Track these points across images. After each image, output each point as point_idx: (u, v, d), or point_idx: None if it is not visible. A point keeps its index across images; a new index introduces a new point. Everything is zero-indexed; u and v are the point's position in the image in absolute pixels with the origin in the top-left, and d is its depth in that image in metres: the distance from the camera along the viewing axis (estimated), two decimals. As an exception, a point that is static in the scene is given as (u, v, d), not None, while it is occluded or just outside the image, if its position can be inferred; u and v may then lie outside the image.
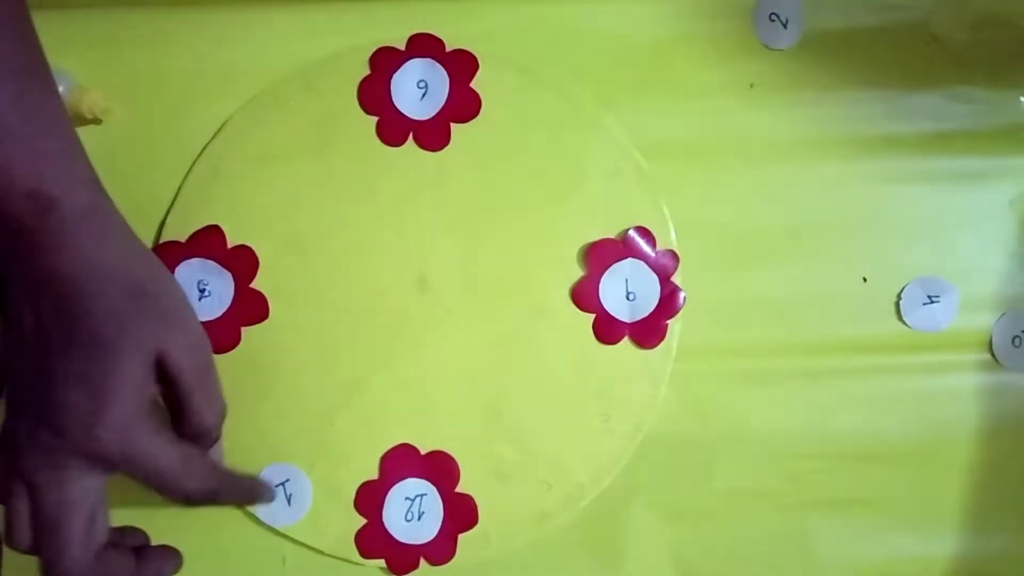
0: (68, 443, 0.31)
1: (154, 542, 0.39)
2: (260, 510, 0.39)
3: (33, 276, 0.32)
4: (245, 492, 0.36)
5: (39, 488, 0.31)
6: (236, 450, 0.39)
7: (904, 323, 0.41)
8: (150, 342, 0.32)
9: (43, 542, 0.32)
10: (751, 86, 0.42)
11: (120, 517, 0.39)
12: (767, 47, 0.42)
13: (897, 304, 0.41)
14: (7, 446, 0.32)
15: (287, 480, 0.39)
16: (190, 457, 0.33)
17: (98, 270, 0.32)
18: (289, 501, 0.39)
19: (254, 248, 0.40)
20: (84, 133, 0.40)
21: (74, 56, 0.41)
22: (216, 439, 0.36)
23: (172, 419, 0.34)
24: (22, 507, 0.32)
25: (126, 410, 0.31)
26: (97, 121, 0.40)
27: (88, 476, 0.32)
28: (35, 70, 0.33)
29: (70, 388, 0.31)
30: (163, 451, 0.32)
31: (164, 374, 0.33)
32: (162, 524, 0.39)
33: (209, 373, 0.35)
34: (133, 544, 0.36)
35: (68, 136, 0.33)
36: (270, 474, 0.39)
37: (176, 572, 0.37)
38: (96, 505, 0.32)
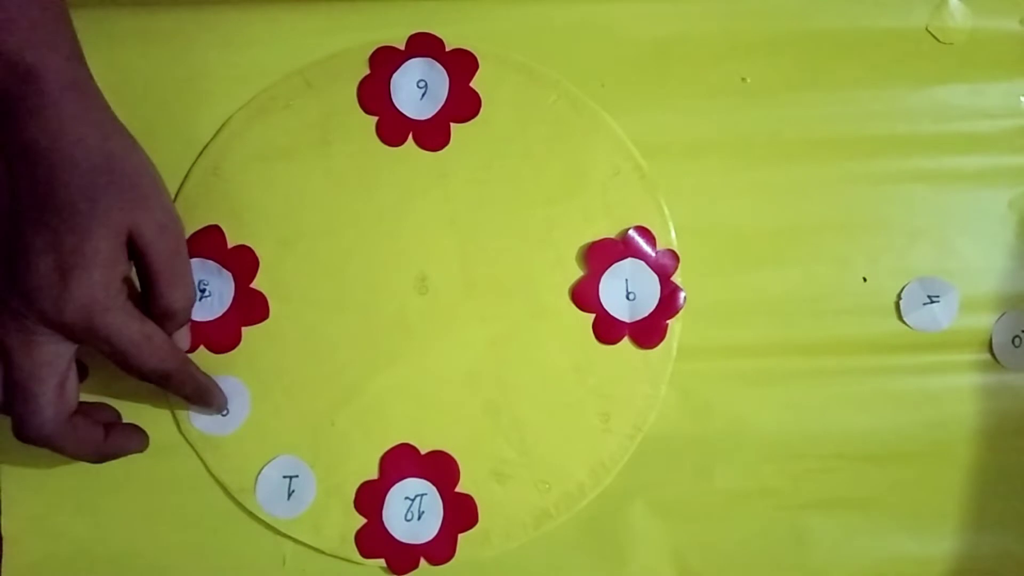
0: (36, 312, 0.32)
1: (155, 543, 0.39)
2: (262, 500, 0.39)
3: (10, 144, 0.32)
4: (198, 386, 0.37)
5: (11, 351, 0.32)
6: (237, 449, 0.39)
7: (904, 323, 0.41)
8: (121, 219, 0.32)
9: (15, 402, 0.33)
10: (743, 80, 0.42)
11: (121, 516, 0.39)
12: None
13: (897, 304, 0.41)
14: None
15: (295, 475, 0.39)
16: (152, 336, 0.34)
17: (76, 144, 0.32)
18: (290, 496, 0.39)
19: (254, 248, 0.40)
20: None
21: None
22: (183, 323, 0.37)
23: (143, 298, 0.35)
24: None
25: (93, 284, 0.32)
26: None
27: (58, 343, 0.33)
28: None
29: (41, 257, 0.31)
30: (126, 327, 0.33)
31: (134, 253, 0.33)
32: (162, 524, 0.39)
33: (179, 255, 0.35)
34: (103, 419, 0.37)
35: (55, 5, 0.33)
36: (278, 467, 0.39)
37: (140, 451, 0.38)
38: (66, 372, 0.34)
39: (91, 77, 0.34)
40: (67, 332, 0.32)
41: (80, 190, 0.32)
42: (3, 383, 0.33)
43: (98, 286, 0.32)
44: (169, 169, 0.40)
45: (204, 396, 0.38)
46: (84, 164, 0.32)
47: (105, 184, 0.32)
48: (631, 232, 0.41)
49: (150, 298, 0.35)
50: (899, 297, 0.41)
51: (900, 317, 0.41)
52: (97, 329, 0.32)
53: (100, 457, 0.36)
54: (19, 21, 0.32)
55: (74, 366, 0.34)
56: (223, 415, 0.39)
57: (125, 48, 0.41)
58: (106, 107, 0.34)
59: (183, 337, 0.38)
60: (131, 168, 0.34)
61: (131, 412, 0.40)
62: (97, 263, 0.32)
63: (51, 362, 0.33)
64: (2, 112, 0.32)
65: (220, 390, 0.39)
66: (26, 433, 0.33)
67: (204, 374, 0.38)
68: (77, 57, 0.34)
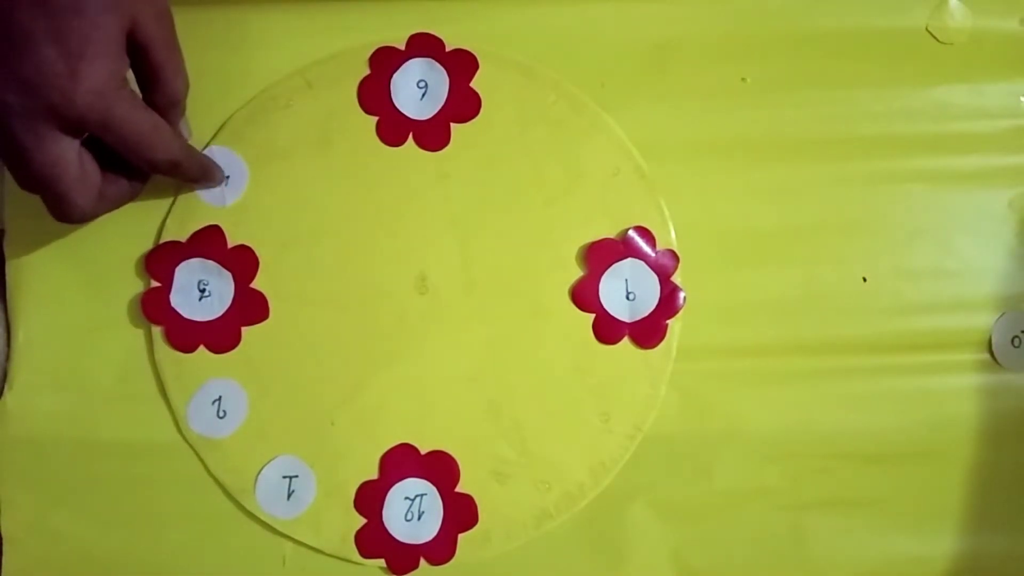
0: (45, 106, 0.31)
1: (154, 542, 0.39)
2: (261, 501, 0.39)
3: None
4: (203, 167, 0.38)
5: (27, 151, 0.32)
6: (236, 450, 0.39)
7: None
8: (125, 8, 0.32)
9: (46, 199, 0.33)
10: (742, 80, 0.42)
11: (121, 516, 0.39)
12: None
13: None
14: None
15: (295, 475, 0.39)
16: (160, 126, 0.34)
17: None
18: (290, 496, 0.39)
19: (254, 248, 0.40)
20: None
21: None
22: (183, 112, 0.37)
23: (141, 91, 0.35)
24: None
25: (103, 74, 0.31)
26: None
27: (67, 134, 0.32)
28: None
29: (47, 47, 0.30)
30: (137, 117, 0.33)
31: (134, 46, 0.33)
32: (162, 524, 0.39)
33: (176, 42, 0.35)
34: (122, 173, 0.37)
35: None
36: (277, 467, 0.39)
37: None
38: (81, 154, 0.33)
39: None
40: (77, 123, 0.31)
41: None
42: (28, 185, 0.33)
43: (108, 77, 0.31)
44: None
45: (208, 174, 0.39)
46: None
47: None
48: (631, 232, 0.41)
49: (154, 88, 0.35)
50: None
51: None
52: (111, 120, 0.32)
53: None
54: None
55: (84, 148, 0.33)
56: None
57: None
58: None
59: (186, 127, 0.39)
60: None
61: (131, 412, 0.40)
62: (106, 53, 0.31)
63: (67, 152, 0.32)
64: None
65: (217, 166, 0.40)
66: (67, 222, 0.34)
67: (203, 154, 0.39)
68: None
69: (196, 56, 0.41)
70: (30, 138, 0.31)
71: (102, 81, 0.31)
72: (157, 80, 0.34)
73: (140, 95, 0.35)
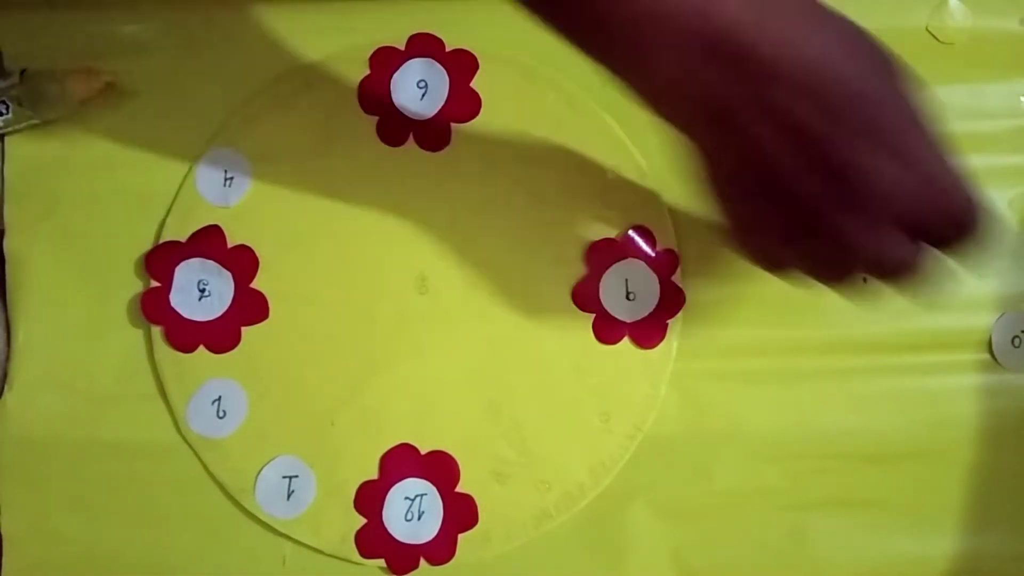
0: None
1: (155, 543, 0.39)
2: (261, 501, 0.39)
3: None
4: None
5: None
6: (236, 450, 0.39)
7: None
8: None
9: None
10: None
11: (121, 516, 0.39)
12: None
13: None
14: None
15: (295, 476, 0.39)
16: None
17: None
18: (290, 496, 0.39)
19: (254, 248, 0.40)
20: (87, 131, 0.41)
21: (73, 58, 0.41)
22: None
23: None
24: None
25: None
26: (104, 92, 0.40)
27: None
28: None
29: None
30: None
31: None
32: (162, 524, 0.39)
33: None
34: None
35: None
36: (277, 467, 0.39)
37: None
38: None
39: None
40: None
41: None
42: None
43: None
44: (170, 168, 0.41)
45: None
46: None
47: None
48: (631, 232, 0.41)
49: None
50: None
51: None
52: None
53: None
54: None
55: None
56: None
57: (124, 49, 0.41)
58: None
59: None
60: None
61: (131, 412, 0.40)
62: None
63: None
64: None
65: None
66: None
67: None
68: None
69: (196, 56, 0.41)
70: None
71: None
72: None
73: None
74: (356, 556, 0.39)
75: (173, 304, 0.40)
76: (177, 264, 0.40)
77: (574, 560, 0.40)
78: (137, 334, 0.40)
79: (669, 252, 0.41)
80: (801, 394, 0.41)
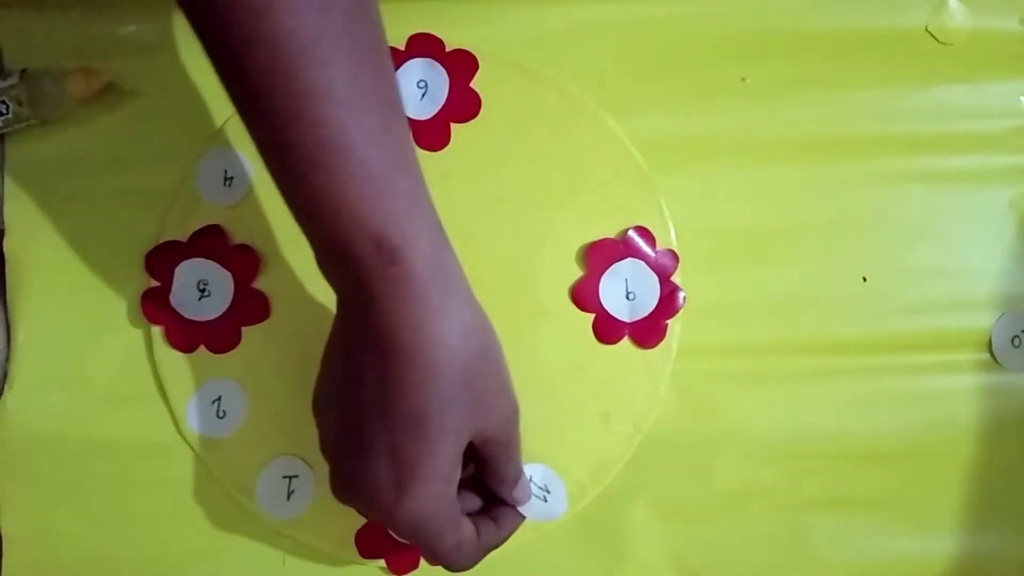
0: (374, 508, 0.31)
1: (155, 543, 0.39)
2: (261, 500, 0.39)
3: (366, 331, 0.30)
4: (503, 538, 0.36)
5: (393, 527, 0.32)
6: (236, 450, 0.39)
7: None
8: (468, 428, 0.31)
9: (428, 560, 0.34)
10: (742, 80, 0.42)
11: (121, 516, 0.39)
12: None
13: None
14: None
15: (295, 476, 0.39)
16: (461, 544, 0.33)
17: (436, 347, 0.29)
18: (290, 496, 0.39)
19: (255, 248, 0.40)
20: (87, 131, 0.41)
21: (73, 58, 0.41)
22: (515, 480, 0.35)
23: (477, 469, 0.35)
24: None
25: (427, 499, 0.31)
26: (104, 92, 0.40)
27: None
28: (394, 105, 0.30)
29: (380, 459, 0.30)
30: (443, 539, 0.32)
31: (476, 454, 0.33)
32: (162, 524, 0.39)
33: (518, 441, 0.34)
34: (484, 515, 0.35)
35: (417, 175, 0.31)
36: (277, 467, 0.39)
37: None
38: (455, 515, 0.32)
39: (450, 246, 0.31)
40: (393, 530, 0.32)
41: (433, 397, 0.30)
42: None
43: (431, 500, 0.31)
44: (171, 169, 0.41)
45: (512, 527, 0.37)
46: (442, 370, 0.30)
47: (458, 392, 0.30)
48: (631, 232, 0.41)
49: (485, 471, 0.34)
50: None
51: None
52: (419, 536, 0.32)
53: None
54: (387, 195, 0.29)
55: (456, 505, 0.32)
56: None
57: (125, 49, 0.41)
58: (468, 293, 0.32)
59: (523, 489, 0.36)
60: (484, 366, 0.31)
61: (130, 412, 0.40)
62: (435, 478, 0.30)
63: (447, 517, 0.32)
64: (362, 294, 0.29)
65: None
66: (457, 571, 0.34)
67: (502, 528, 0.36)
68: (437, 226, 0.31)
69: (196, 56, 0.41)
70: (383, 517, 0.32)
71: (423, 507, 0.31)
72: (491, 473, 0.34)
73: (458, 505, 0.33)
74: (356, 556, 0.39)
75: (173, 304, 0.40)
76: (177, 264, 0.40)
77: (574, 560, 0.40)
78: (137, 334, 0.40)
79: (669, 252, 0.41)
80: (801, 394, 0.41)
